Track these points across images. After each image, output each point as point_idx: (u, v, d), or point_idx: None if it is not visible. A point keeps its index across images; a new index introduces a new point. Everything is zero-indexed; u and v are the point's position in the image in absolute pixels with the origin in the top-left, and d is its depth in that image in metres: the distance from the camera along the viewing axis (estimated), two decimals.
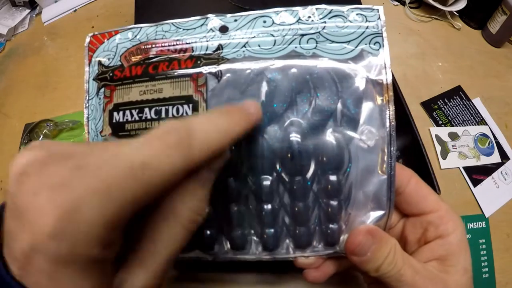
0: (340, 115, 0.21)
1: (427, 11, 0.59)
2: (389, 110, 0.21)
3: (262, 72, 0.22)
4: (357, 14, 0.22)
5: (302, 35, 0.22)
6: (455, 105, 0.50)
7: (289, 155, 0.22)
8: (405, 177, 0.22)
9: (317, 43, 0.22)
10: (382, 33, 0.22)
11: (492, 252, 0.40)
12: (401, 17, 0.59)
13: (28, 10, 0.64)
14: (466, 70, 0.53)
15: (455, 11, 0.57)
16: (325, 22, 0.22)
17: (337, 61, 0.21)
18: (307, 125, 0.22)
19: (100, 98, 0.24)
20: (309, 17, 0.22)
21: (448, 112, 0.49)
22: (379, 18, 0.22)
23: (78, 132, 0.49)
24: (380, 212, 0.22)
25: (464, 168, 0.45)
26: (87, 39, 0.25)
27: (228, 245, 0.24)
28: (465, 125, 0.48)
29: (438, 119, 0.48)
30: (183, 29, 0.23)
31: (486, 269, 0.39)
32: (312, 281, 0.23)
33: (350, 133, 0.21)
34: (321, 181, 0.22)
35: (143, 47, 0.24)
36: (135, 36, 0.24)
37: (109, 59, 0.24)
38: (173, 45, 0.23)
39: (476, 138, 0.47)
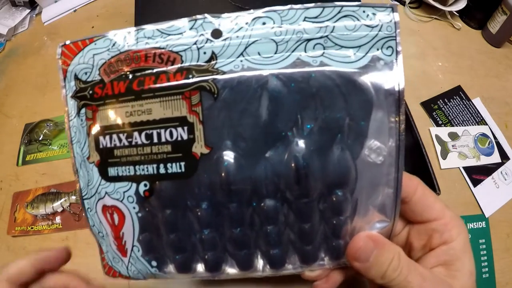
0: (347, 129, 0.20)
1: (427, 11, 0.59)
2: (399, 122, 0.19)
3: (263, 87, 0.19)
4: (368, 14, 0.19)
5: (308, 40, 0.19)
6: (455, 105, 0.50)
7: (295, 178, 0.20)
8: (411, 187, 0.22)
9: (324, 49, 0.19)
10: (396, 37, 0.19)
11: (492, 252, 0.40)
12: (401, 17, 0.59)
13: (28, 10, 0.64)
14: (466, 70, 0.53)
15: (455, 11, 0.57)
16: (333, 23, 0.19)
17: (346, 71, 0.19)
18: (313, 144, 0.20)
19: (82, 120, 0.22)
20: (315, 17, 0.19)
21: (448, 112, 0.49)
22: (393, 18, 0.19)
23: None
24: (385, 223, 0.21)
25: (464, 168, 0.45)
26: (58, 50, 0.22)
27: (235, 265, 0.23)
28: (465, 125, 0.48)
29: (438, 119, 0.48)
30: (168, 34, 0.20)
31: (486, 269, 0.39)
32: None
33: (358, 148, 0.20)
34: (327, 199, 0.21)
35: (124, 57, 0.20)
36: (113, 44, 0.21)
37: (86, 73, 0.21)
38: (158, 54, 0.20)
39: (476, 138, 0.47)
